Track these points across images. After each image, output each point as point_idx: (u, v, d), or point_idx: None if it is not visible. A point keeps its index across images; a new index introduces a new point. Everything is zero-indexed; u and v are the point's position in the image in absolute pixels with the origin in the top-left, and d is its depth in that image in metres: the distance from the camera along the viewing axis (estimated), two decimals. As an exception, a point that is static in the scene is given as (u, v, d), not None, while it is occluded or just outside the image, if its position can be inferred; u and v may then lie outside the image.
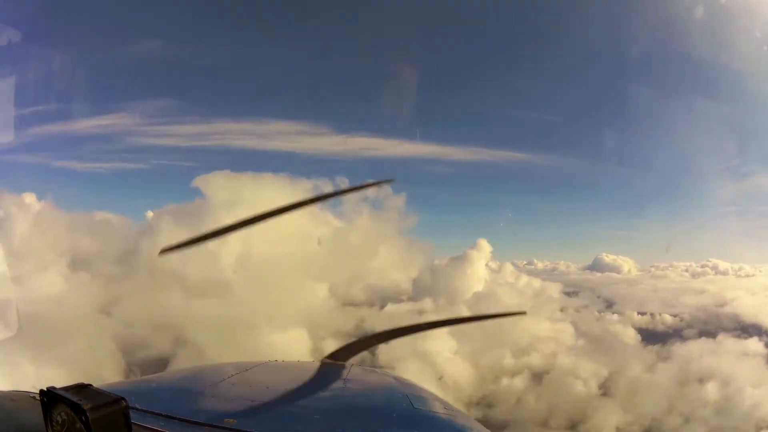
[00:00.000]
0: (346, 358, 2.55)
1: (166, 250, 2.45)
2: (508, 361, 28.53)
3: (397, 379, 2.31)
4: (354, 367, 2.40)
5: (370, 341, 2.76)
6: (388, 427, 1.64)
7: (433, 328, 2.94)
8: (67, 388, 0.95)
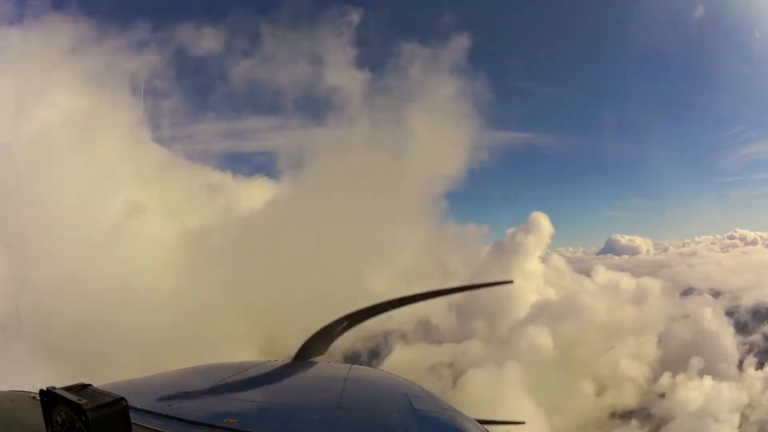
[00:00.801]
0: (321, 352, 2.51)
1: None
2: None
3: (397, 379, 2.31)
4: (354, 367, 2.40)
5: (340, 327, 2.63)
6: (388, 427, 1.64)
7: (417, 301, 2.79)
8: (67, 388, 0.95)
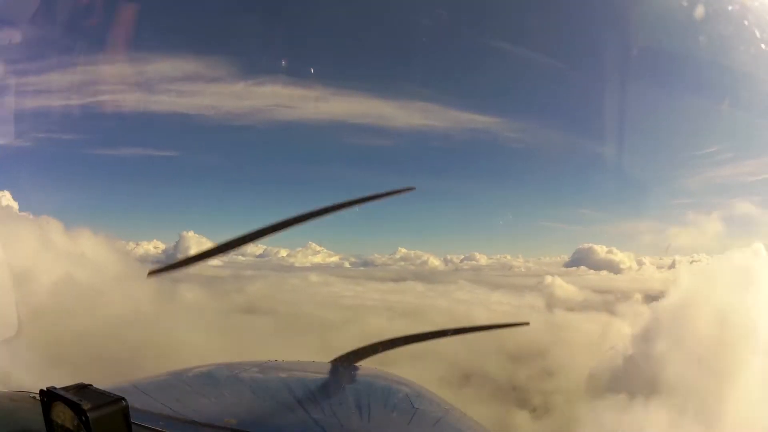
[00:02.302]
0: (355, 361, 2.54)
1: (154, 272, 2.35)
2: None
3: (397, 379, 2.31)
4: (354, 367, 2.40)
5: (382, 346, 2.70)
6: (388, 427, 1.64)
7: (441, 336, 2.86)
8: (66, 388, 0.95)
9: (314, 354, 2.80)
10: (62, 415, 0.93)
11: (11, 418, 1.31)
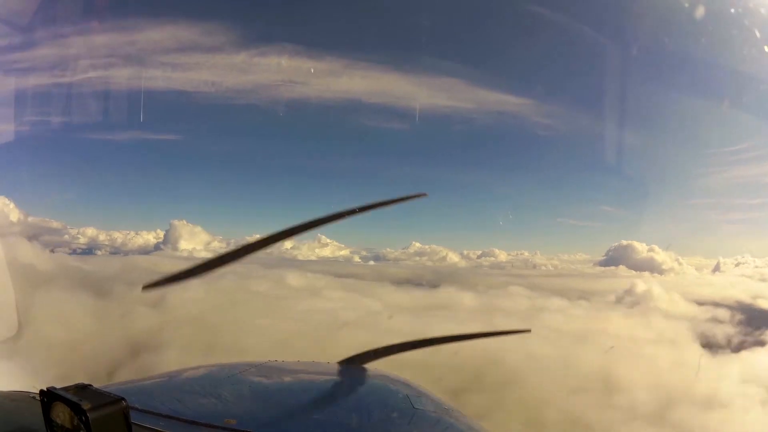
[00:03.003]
0: (362, 363, 2.53)
1: (149, 286, 2.21)
2: None
3: (397, 379, 2.31)
4: (354, 368, 2.40)
5: (391, 350, 2.68)
6: (388, 428, 1.64)
7: (449, 342, 2.85)
8: (67, 388, 0.95)
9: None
10: (62, 415, 0.93)
11: (11, 418, 1.31)
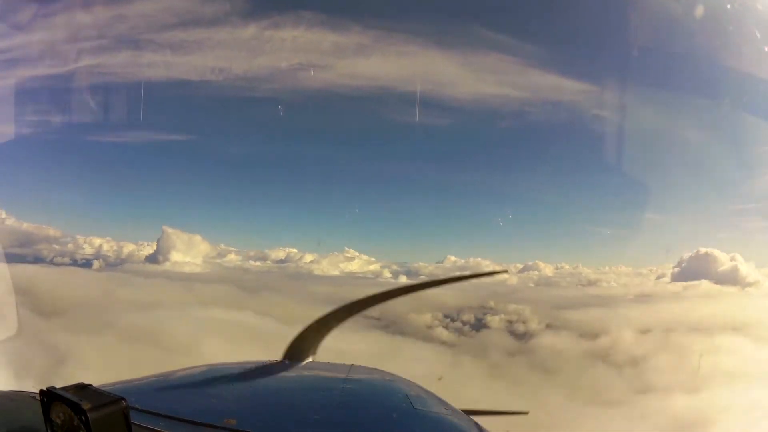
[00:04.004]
0: (309, 353, 2.48)
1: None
2: None
3: (397, 379, 2.31)
4: (354, 367, 2.40)
5: (329, 324, 2.56)
6: (388, 428, 1.64)
7: (408, 293, 2.74)
8: (66, 388, 0.95)
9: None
10: (62, 415, 0.93)
11: (11, 418, 1.31)
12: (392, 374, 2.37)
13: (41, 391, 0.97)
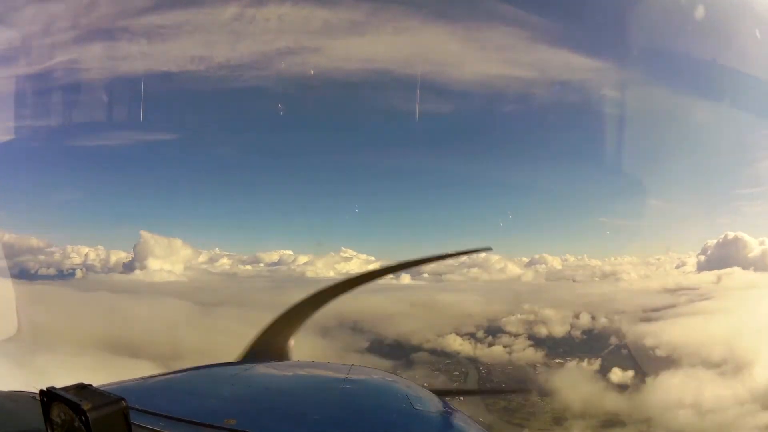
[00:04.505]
0: (278, 353, 2.38)
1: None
2: None
3: (397, 379, 2.32)
4: (354, 367, 2.40)
5: (297, 318, 2.40)
6: (388, 428, 1.64)
7: (391, 273, 2.67)
8: (66, 388, 0.95)
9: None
10: (62, 415, 0.93)
11: (11, 418, 1.31)
12: (392, 374, 2.37)
13: (41, 391, 0.97)
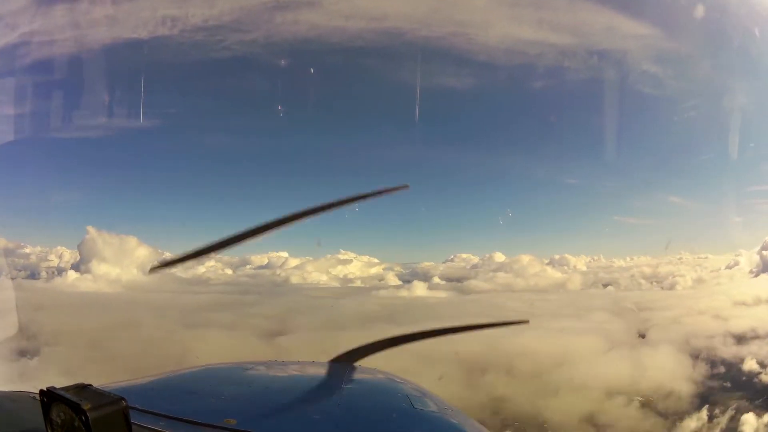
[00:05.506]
0: (355, 360, 2.50)
1: (156, 267, 2.33)
2: None
3: (397, 379, 2.32)
4: (354, 367, 2.40)
5: (382, 345, 2.60)
6: (388, 428, 1.64)
7: (443, 335, 2.78)
8: (66, 388, 0.95)
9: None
10: (62, 415, 0.93)
11: (11, 418, 1.31)
12: (392, 374, 2.37)
13: (41, 391, 0.97)
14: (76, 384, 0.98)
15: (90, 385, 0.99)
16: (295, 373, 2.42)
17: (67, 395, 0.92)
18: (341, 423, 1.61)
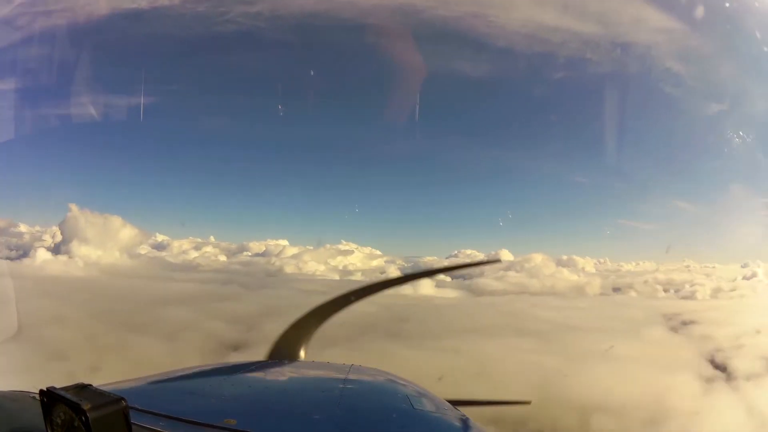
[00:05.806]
0: (296, 353, 2.42)
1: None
2: None
3: (397, 379, 2.32)
4: (354, 367, 2.41)
5: (315, 321, 2.44)
6: (388, 428, 1.64)
7: (404, 282, 2.66)
8: (66, 388, 0.95)
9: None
10: (62, 415, 0.93)
11: (11, 418, 1.31)
12: (392, 374, 2.37)
13: (41, 391, 0.97)
14: (76, 384, 0.98)
15: (90, 385, 0.99)
16: (295, 373, 2.42)
17: (67, 395, 0.92)
18: (341, 423, 1.61)
